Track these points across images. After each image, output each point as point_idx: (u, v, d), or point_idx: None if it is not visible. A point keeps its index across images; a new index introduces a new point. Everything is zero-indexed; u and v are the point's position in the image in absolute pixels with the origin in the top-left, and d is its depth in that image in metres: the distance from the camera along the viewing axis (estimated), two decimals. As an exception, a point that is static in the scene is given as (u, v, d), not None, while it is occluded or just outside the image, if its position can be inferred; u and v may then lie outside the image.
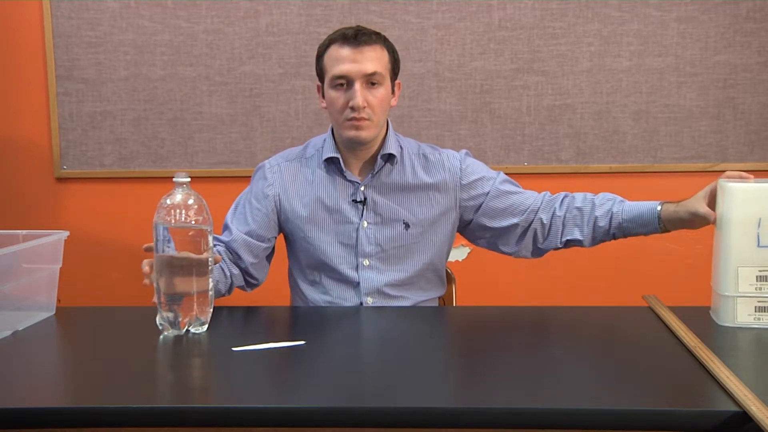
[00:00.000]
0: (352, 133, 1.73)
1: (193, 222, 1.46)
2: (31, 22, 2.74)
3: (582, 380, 1.26)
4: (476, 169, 1.84)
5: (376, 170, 1.80)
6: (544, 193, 1.83)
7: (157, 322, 1.49)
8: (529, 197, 1.83)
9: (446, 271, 1.96)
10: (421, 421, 1.15)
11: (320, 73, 1.77)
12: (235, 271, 1.80)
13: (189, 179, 1.48)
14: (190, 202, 1.46)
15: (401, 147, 1.83)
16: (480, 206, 1.83)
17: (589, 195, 1.80)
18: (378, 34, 1.74)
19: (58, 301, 1.70)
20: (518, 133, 2.72)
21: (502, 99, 2.70)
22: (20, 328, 1.57)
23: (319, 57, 1.76)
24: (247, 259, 1.80)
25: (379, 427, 1.16)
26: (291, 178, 1.83)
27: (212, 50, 2.72)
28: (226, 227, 1.83)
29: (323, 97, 1.77)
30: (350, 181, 1.80)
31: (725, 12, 2.63)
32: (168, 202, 1.46)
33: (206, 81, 2.73)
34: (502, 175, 1.86)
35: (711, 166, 2.70)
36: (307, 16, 2.69)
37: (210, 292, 1.50)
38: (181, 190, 1.47)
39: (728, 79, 2.66)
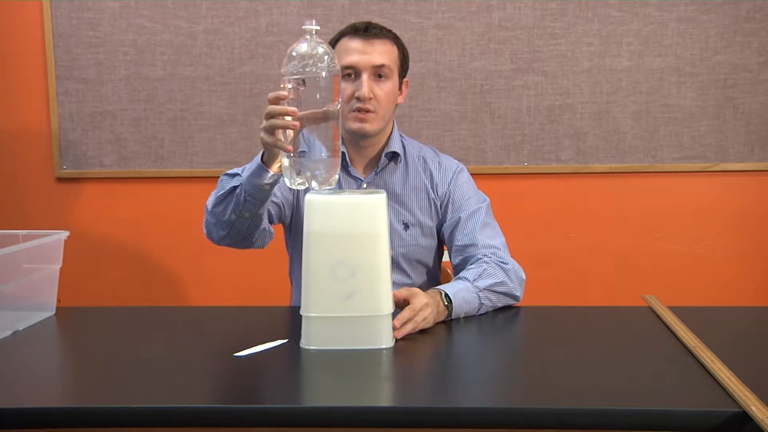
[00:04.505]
0: (356, 125, 1.73)
1: (324, 73, 1.38)
2: (31, 22, 2.74)
3: (582, 380, 1.26)
4: (462, 190, 1.82)
5: (380, 168, 1.80)
6: (485, 252, 1.73)
7: (290, 183, 1.42)
8: (467, 246, 1.76)
9: (445, 271, 1.96)
10: (419, 421, 1.15)
11: None
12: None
13: (318, 27, 1.40)
14: (320, 51, 1.38)
15: (404, 147, 1.83)
16: (443, 223, 1.83)
17: (472, 274, 1.68)
18: (389, 30, 1.76)
19: (58, 301, 1.70)
20: (518, 133, 2.72)
21: (502, 99, 2.70)
22: (20, 328, 1.57)
23: None
24: (270, 205, 1.73)
25: (379, 426, 1.16)
26: None
27: (212, 50, 2.72)
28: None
29: None
30: (354, 177, 1.81)
31: (725, 12, 2.63)
32: (295, 53, 1.38)
33: (206, 81, 2.73)
34: (481, 207, 1.80)
35: (711, 166, 2.70)
36: (307, 17, 2.68)
37: (340, 148, 1.44)
38: (308, 38, 1.38)
39: (728, 79, 2.66)
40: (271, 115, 1.41)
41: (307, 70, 1.38)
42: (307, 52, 1.37)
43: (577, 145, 2.71)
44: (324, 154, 1.41)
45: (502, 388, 1.28)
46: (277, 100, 1.40)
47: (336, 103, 1.40)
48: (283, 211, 1.80)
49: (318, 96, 1.39)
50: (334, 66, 1.39)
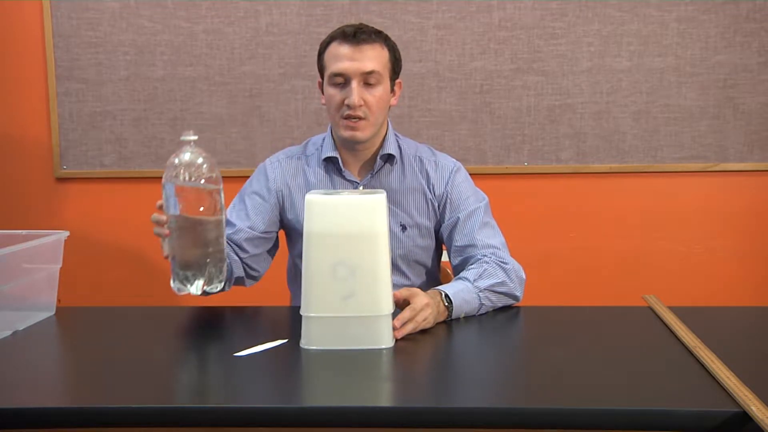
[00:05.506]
0: (347, 133, 1.72)
1: (203, 181, 1.40)
2: (31, 22, 2.74)
3: (582, 380, 1.26)
4: (460, 190, 1.81)
5: (375, 170, 1.80)
6: (485, 252, 1.74)
7: (172, 286, 1.44)
8: (465, 247, 1.77)
9: (445, 271, 1.96)
10: (419, 421, 1.15)
11: (321, 70, 1.77)
12: (235, 257, 1.77)
13: (196, 137, 1.42)
14: (199, 161, 1.40)
15: (400, 148, 1.83)
16: (441, 224, 1.83)
17: (473, 275, 1.68)
18: (379, 32, 1.74)
19: (58, 301, 1.70)
20: (518, 133, 2.72)
21: (502, 99, 2.70)
22: (20, 328, 1.57)
23: (320, 53, 1.76)
24: (251, 250, 1.79)
25: (379, 426, 1.16)
26: (292, 175, 1.82)
27: (212, 50, 2.72)
28: (226, 223, 1.81)
29: (323, 93, 1.77)
30: (349, 180, 1.80)
31: (725, 12, 2.63)
32: (176, 161, 1.40)
33: (206, 81, 2.73)
34: (480, 206, 1.80)
35: (711, 166, 2.70)
36: (307, 16, 2.69)
37: (224, 252, 1.46)
38: (189, 148, 1.40)
39: (728, 79, 2.66)
40: (153, 222, 1.46)
41: (183, 179, 1.39)
42: (186, 162, 1.40)
43: (577, 145, 2.71)
44: (195, 261, 1.41)
45: (502, 388, 1.28)
46: (158, 209, 1.45)
47: (213, 210, 1.41)
48: (273, 227, 1.83)
49: (194, 204, 1.41)
50: (211, 175, 1.40)
